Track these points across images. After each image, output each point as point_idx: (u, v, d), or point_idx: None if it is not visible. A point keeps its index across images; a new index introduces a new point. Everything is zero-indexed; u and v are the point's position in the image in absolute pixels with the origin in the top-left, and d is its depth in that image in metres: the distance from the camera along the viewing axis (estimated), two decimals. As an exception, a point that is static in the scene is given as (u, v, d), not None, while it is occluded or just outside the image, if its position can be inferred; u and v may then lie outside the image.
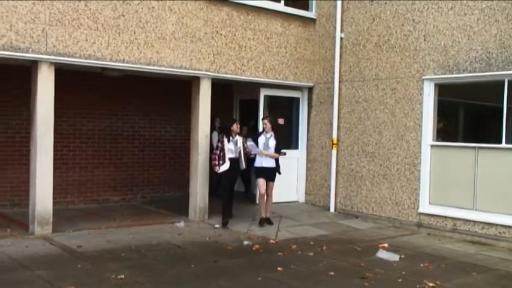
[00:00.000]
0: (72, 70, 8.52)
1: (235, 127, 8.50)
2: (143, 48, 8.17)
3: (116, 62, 7.92)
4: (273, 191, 8.67)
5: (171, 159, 11.28)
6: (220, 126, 11.46)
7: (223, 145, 8.30)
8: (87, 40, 7.63)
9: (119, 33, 7.91)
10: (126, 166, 10.67)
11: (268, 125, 8.60)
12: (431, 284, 5.64)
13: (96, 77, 9.34)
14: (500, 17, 7.76)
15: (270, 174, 8.51)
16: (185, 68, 8.64)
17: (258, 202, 9.20)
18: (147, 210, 9.92)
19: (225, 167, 8.29)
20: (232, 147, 8.37)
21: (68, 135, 9.85)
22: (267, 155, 8.45)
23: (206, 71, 8.86)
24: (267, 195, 8.55)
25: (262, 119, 8.93)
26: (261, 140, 8.57)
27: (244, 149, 8.54)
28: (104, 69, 8.29)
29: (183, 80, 9.33)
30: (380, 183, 9.31)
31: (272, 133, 8.56)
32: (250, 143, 8.48)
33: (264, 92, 10.37)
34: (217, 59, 9.00)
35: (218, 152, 8.30)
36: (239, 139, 8.51)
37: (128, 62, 8.04)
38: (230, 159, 8.35)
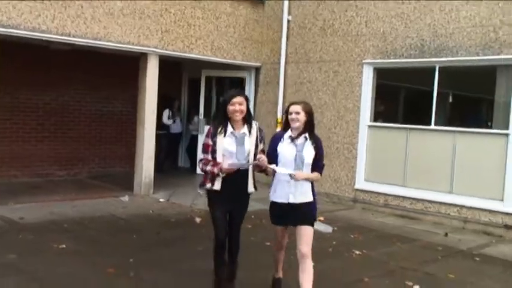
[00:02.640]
0: (17, 43, 8.39)
1: (238, 106, 4.12)
2: (90, 23, 8.15)
3: (62, 36, 7.87)
4: None
5: (117, 134, 11.30)
6: (178, 107, 11.64)
7: (214, 143, 4.19)
8: (31, 12, 7.55)
9: (65, 7, 7.86)
10: (72, 140, 10.63)
11: (303, 119, 4.16)
12: (358, 252, 6.13)
13: (42, 50, 9.22)
14: (435, 7, 8.25)
15: (303, 214, 4.23)
16: (133, 44, 8.68)
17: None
18: (93, 184, 9.98)
19: (216, 186, 4.19)
20: (233, 148, 4.18)
21: (12, 107, 9.70)
22: (299, 177, 4.09)
23: (154, 47, 8.93)
24: (303, 256, 4.14)
25: (290, 105, 4.24)
26: (285, 147, 4.21)
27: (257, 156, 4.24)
28: (50, 42, 8.21)
29: (131, 56, 9.36)
30: (321, 161, 9.74)
31: (307, 135, 4.19)
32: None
33: (205, 73, 10.48)
34: (165, 36, 9.08)
35: (209, 155, 4.21)
36: (248, 133, 4.24)
37: (74, 36, 8.01)
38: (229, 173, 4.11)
